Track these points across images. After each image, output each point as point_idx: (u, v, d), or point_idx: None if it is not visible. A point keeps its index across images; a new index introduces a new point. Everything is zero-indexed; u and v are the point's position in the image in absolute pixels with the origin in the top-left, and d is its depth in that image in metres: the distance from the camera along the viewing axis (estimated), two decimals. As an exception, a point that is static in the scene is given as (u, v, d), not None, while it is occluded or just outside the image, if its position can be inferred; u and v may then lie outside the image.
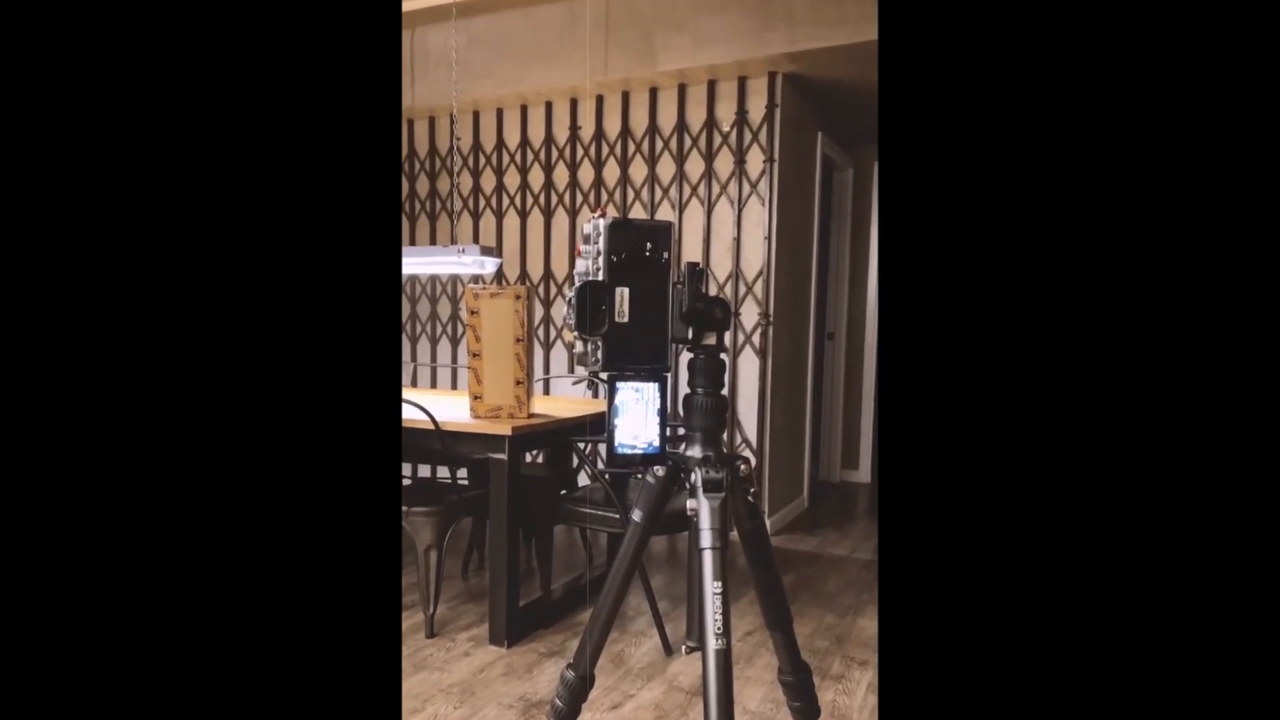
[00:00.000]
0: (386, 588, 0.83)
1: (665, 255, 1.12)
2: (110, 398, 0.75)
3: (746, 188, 3.67)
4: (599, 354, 1.11)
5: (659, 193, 3.86)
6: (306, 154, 0.81)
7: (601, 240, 1.10)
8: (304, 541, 0.79)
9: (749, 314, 3.71)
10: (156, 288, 0.75)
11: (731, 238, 3.72)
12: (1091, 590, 0.71)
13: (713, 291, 3.75)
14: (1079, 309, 0.74)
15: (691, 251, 3.80)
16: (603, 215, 1.10)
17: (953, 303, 0.77)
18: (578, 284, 1.10)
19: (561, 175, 4.10)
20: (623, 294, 1.11)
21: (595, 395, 3.43)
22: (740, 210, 3.69)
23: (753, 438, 3.74)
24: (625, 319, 1.11)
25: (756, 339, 3.70)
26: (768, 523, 3.80)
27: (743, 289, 3.71)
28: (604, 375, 1.13)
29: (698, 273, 1.13)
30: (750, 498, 1.23)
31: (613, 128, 3.95)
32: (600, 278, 1.10)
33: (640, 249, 1.11)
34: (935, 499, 0.76)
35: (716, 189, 3.73)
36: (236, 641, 0.76)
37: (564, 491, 2.80)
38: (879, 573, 0.87)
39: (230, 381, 0.77)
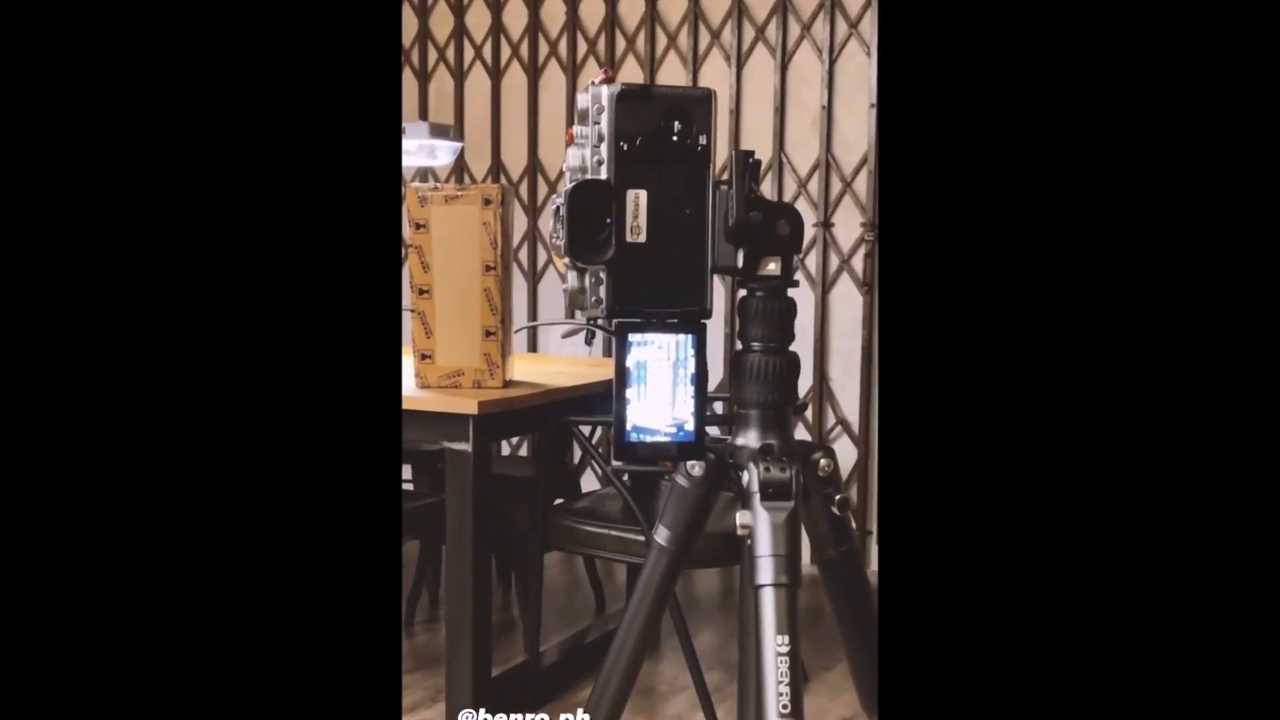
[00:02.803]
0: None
1: (703, 140, 1.13)
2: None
3: (842, 27, 3.64)
4: (602, 291, 1.13)
5: (705, 36, 3.84)
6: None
7: (605, 119, 1.11)
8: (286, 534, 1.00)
9: (847, 225, 3.71)
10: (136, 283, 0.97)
11: (819, 106, 3.70)
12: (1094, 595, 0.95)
13: (789, 190, 3.75)
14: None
15: (754, 131, 3.79)
16: (607, 81, 1.11)
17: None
18: (569, 185, 1.12)
19: (555, 11, 4.09)
20: (638, 200, 1.12)
21: (606, 354, 3.45)
22: (832, 63, 3.67)
23: (853, 417, 3.76)
24: (641, 238, 1.12)
25: (859, 264, 3.70)
26: (871, 548, 3.83)
27: (836, 186, 3.70)
28: (610, 323, 1.15)
29: (752, 165, 1.14)
30: (835, 509, 1.25)
31: (633, -65, 3.94)
32: (603, 176, 1.12)
33: (664, 131, 1.12)
34: (940, 494, 0.98)
35: (796, 30, 3.71)
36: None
37: (559, 501, 2.84)
38: (879, 580, 1.14)
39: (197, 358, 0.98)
